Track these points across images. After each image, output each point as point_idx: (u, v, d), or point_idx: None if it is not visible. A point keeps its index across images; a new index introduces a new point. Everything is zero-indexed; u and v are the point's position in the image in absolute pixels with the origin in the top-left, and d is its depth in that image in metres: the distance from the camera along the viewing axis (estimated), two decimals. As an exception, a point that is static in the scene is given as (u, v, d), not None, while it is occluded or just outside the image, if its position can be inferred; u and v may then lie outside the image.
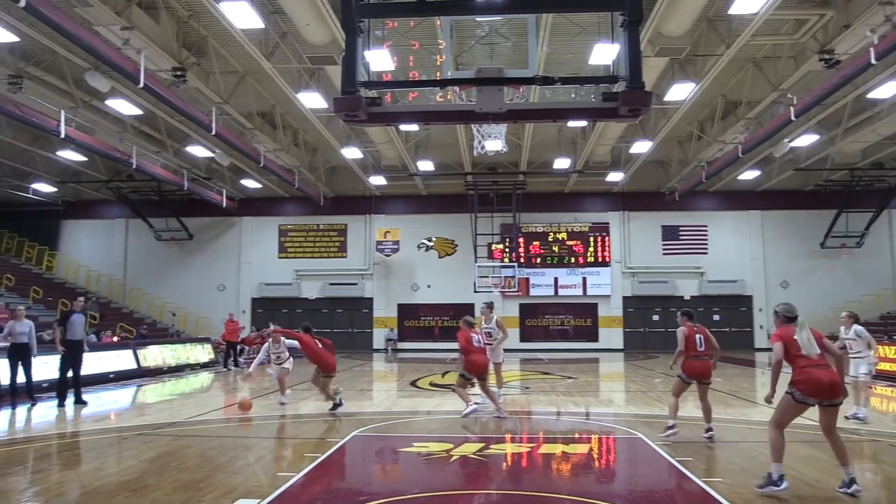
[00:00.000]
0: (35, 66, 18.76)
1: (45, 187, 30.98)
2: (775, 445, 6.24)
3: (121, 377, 18.00)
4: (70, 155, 25.74)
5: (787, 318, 6.57)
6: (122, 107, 20.57)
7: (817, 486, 6.51)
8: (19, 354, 13.15)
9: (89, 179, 30.28)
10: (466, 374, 10.64)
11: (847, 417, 10.25)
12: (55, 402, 12.88)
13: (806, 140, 24.36)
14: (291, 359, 13.16)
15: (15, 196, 31.38)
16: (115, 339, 22.24)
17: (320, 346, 11.58)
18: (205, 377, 19.67)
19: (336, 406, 11.47)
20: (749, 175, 29.23)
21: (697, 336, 8.86)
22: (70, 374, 13.06)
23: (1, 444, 9.27)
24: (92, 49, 14.61)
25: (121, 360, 18.73)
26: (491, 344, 12.22)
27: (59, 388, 12.98)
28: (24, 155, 27.12)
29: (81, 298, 13.81)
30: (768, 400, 6.36)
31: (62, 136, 19.82)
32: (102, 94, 19.49)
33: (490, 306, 13.01)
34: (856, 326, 10.74)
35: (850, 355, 10.64)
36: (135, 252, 34.26)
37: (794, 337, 6.30)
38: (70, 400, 12.89)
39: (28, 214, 33.46)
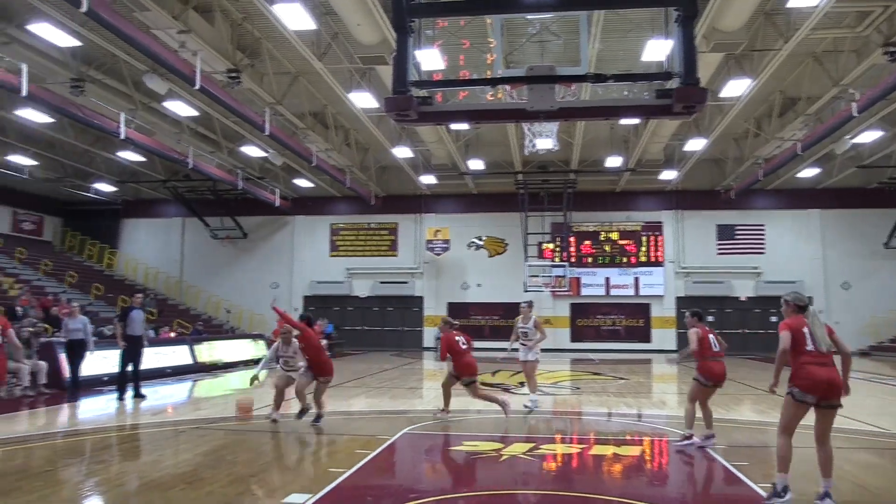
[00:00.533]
0: (96, 70, 19.33)
1: (105, 187, 31.98)
2: (781, 454, 5.85)
3: (177, 372, 18.45)
4: (129, 155, 26.52)
5: (798, 307, 6.06)
6: (179, 108, 21.08)
7: (878, 493, 6.28)
8: (74, 350, 13.55)
9: (148, 179, 31.13)
10: (463, 379, 10.50)
11: None
12: (115, 395, 13.17)
13: (869, 136, 23.55)
14: (305, 369, 10.16)
15: (78, 195, 32.49)
16: (172, 334, 22.81)
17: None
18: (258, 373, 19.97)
19: (303, 413, 9.87)
20: (808, 173, 28.39)
21: (710, 336, 8.45)
22: (130, 368, 13.30)
23: (65, 435, 9.60)
24: (150, 52, 15.02)
25: (177, 355, 19.20)
26: (527, 344, 12.12)
27: (119, 383, 13.25)
28: (86, 156, 28.04)
29: (140, 295, 14.13)
30: (772, 390, 5.90)
31: (122, 137, 20.45)
32: (160, 95, 20.00)
33: (530, 305, 12.67)
34: None
35: None
36: (191, 250, 35.09)
37: (804, 329, 5.84)
38: (129, 394, 13.18)
39: (90, 213, 34.63)
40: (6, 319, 12.06)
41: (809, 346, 5.80)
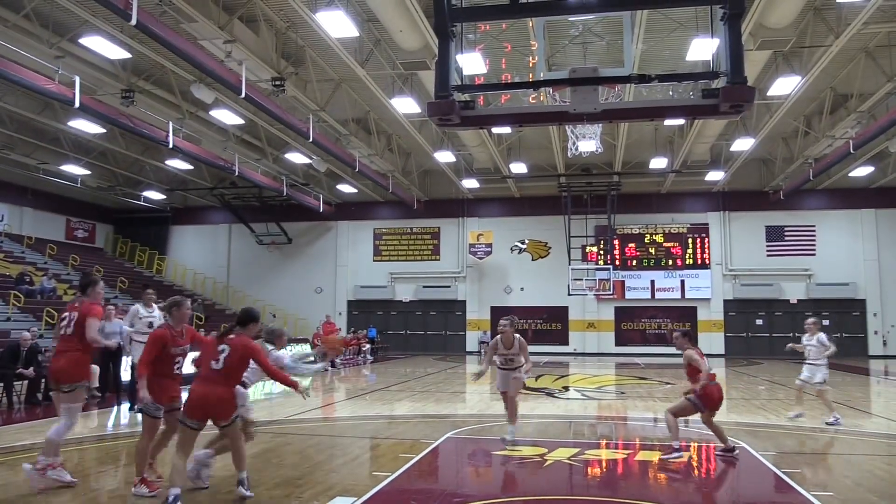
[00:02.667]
0: (145, 81, 19.81)
1: (155, 195, 32.75)
2: None
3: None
4: (178, 164, 27.11)
5: None
6: (225, 116, 21.46)
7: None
8: (111, 355, 13.31)
9: (195, 187, 31.78)
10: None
11: (828, 423, 10.22)
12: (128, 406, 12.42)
13: (925, 133, 22.80)
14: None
15: (128, 203, 33.37)
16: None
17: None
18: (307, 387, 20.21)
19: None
20: (862, 172, 27.61)
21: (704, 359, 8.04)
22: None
23: (113, 438, 9.82)
24: (197, 62, 15.34)
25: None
26: (507, 368, 9.03)
27: (130, 391, 12.20)
28: (137, 164, 28.77)
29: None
30: None
31: (171, 145, 20.94)
32: (207, 105, 20.40)
33: (512, 323, 9.03)
34: (819, 334, 10.83)
35: (808, 362, 10.95)
36: (237, 256, 35.70)
37: None
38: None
39: (140, 221, 35.55)
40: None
41: None
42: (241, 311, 6.41)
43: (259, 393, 16.25)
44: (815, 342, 10.83)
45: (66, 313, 6.66)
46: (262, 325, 6.62)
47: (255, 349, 6.12)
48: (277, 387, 17.28)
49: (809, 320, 11.11)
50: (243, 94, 16.75)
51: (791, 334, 30.36)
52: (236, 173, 25.09)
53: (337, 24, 14.65)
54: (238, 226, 34.98)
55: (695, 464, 8.14)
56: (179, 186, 31.98)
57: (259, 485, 6.54)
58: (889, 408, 13.76)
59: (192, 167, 28.32)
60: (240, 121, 22.30)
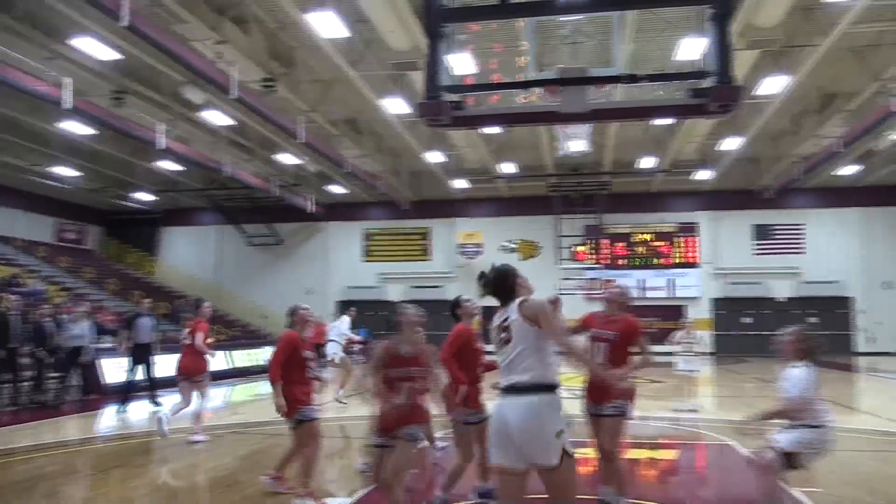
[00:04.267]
0: (136, 82, 19.70)
1: (145, 196, 32.61)
2: None
3: (214, 377, 18.67)
4: (168, 165, 27.01)
5: None
6: (216, 118, 21.41)
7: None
8: (75, 356, 13.45)
9: (186, 188, 31.65)
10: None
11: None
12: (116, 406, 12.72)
13: (911, 132, 23.01)
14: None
15: (118, 205, 33.23)
16: (209, 340, 23.13)
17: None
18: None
19: None
20: (849, 170, 27.81)
21: None
22: (140, 377, 12.94)
23: (105, 440, 9.81)
24: (188, 63, 15.33)
25: (214, 360, 19.44)
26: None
27: (124, 392, 12.81)
28: (127, 166, 28.64)
29: (148, 299, 13.89)
30: None
31: (161, 147, 20.87)
32: (197, 106, 20.34)
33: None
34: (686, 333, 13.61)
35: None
36: (228, 257, 35.60)
37: None
38: (133, 404, 12.66)
39: (130, 222, 35.39)
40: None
41: None
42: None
43: (249, 393, 16.24)
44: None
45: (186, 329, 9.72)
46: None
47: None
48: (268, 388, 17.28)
49: (685, 321, 13.14)
50: (234, 95, 16.74)
51: (779, 332, 30.66)
52: (227, 174, 25.03)
53: (328, 25, 14.66)
54: (228, 227, 34.87)
55: (683, 462, 8.21)
56: (170, 188, 31.83)
57: (249, 486, 6.57)
58: (875, 404, 13.90)
59: (182, 168, 28.20)
60: (230, 122, 22.26)
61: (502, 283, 4.05)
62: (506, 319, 3.92)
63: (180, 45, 15.02)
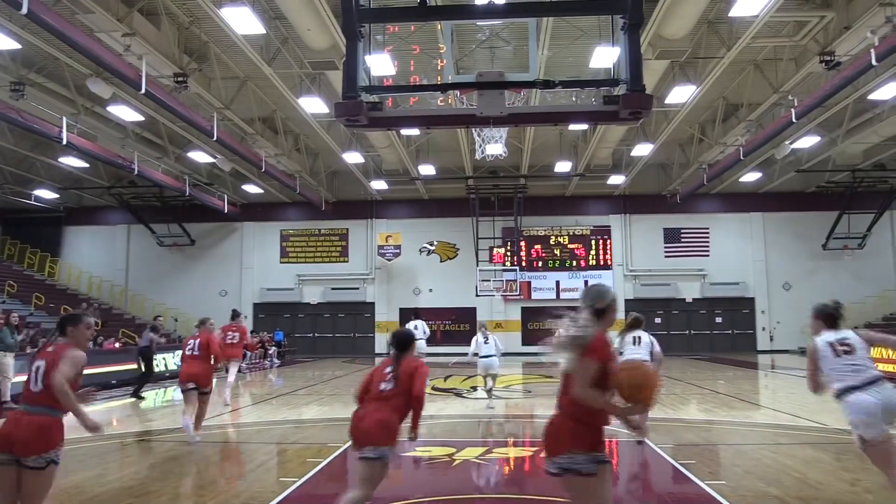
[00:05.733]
0: (37, 73, 18.80)
1: (47, 194, 31.00)
2: None
3: (124, 383, 17.99)
4: (72, 161, 25.75)
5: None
6: (124, 113, 20.61)
7: (820, 488, 6.49)
8: None
9: (91, 186, 30.31)
10: None
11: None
12: None
13: (807, 142, 24.32)
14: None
15: (17, 203, 31.40)
16: (117, 345, 22.24)
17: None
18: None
19: None
20: (751, 177, 29.22)
21: None
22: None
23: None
24: (93, 56, 14.65)
25: (123, 366, 18.73)
26: None
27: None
28: (27, 162, 27.20)
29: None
30: None
31: (64, 142, 19.84)
32: (104, 100, 19.51)
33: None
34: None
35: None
36: (137, 258, 34.26)
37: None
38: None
39: (30, 221, 33.48)
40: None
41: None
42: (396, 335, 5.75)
43: (160, 400, 15.70)
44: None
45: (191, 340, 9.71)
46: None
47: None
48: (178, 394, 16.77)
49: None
50: (143, 90, 16.11)
51: (687, 332, 31.94)
52: (136, 172, 24.04)
53: (242, 21, 14.34)
54: (137, 227, 33.53)
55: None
56: (74, 185, 30.42)
57: (161, 495, 6.33)
58: (776, 399, 14.62)
59: (87, 165, 26.99)
60: (140, 117, 21.47)
61: None
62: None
63: (85, 35, 14.34)
